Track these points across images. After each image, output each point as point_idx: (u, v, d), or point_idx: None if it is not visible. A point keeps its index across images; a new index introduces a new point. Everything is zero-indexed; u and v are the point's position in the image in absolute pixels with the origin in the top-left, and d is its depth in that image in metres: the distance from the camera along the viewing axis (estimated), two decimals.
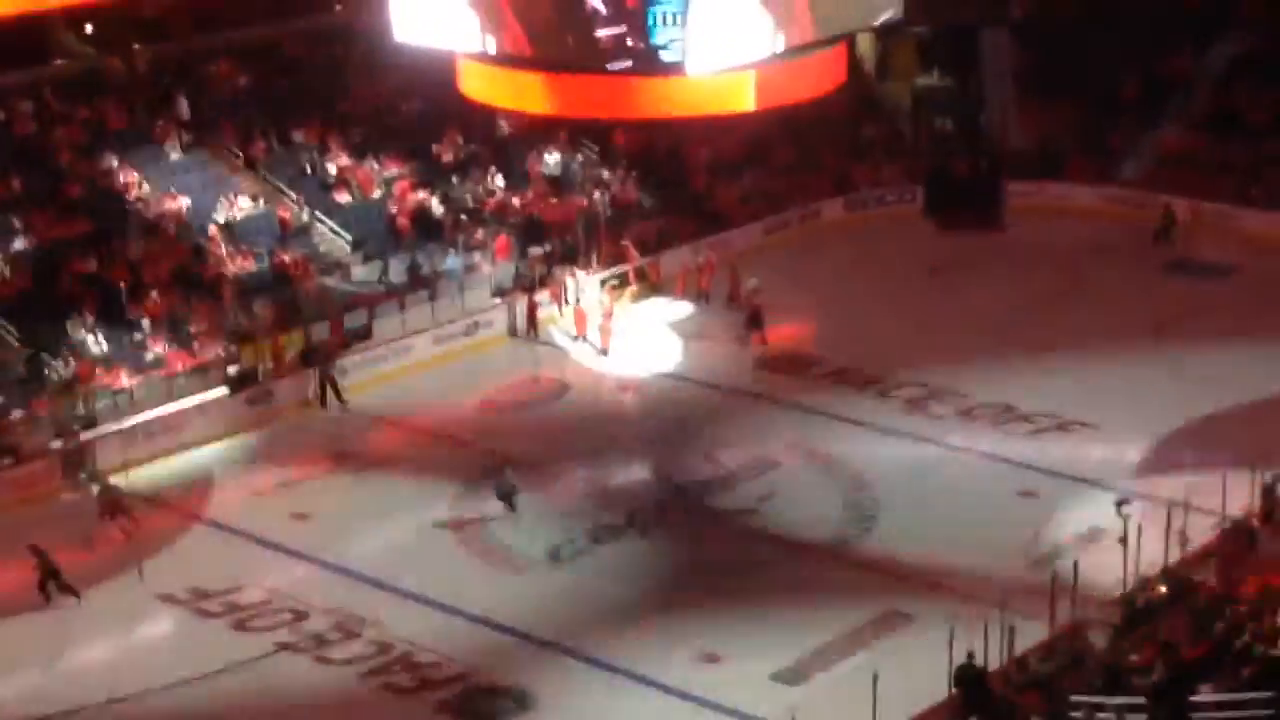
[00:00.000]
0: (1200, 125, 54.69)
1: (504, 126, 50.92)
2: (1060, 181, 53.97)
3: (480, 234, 47.13)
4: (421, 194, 48.16)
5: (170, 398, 39.67)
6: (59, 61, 49.08)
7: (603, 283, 46.66)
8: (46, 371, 39.36)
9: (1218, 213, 50.96)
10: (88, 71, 48.76)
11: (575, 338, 44.84)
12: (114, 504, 35.28)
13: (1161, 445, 37.68)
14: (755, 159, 53.72)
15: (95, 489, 35.95)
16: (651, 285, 47.74)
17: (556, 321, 45.46)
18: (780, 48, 28.57)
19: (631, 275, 47.49)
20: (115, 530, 34.94)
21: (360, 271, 45.48)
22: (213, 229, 44.62)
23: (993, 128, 56.65)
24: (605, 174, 51.10)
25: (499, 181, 49.32)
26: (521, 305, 45.23)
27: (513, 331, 45.24)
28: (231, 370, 40.81)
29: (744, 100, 29.69)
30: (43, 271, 41.90)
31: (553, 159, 50.89)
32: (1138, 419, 38.82)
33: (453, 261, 46.00)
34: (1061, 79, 55.72)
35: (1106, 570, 29.80)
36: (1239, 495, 31.80)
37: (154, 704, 29.17)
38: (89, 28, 49.90)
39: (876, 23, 32.74)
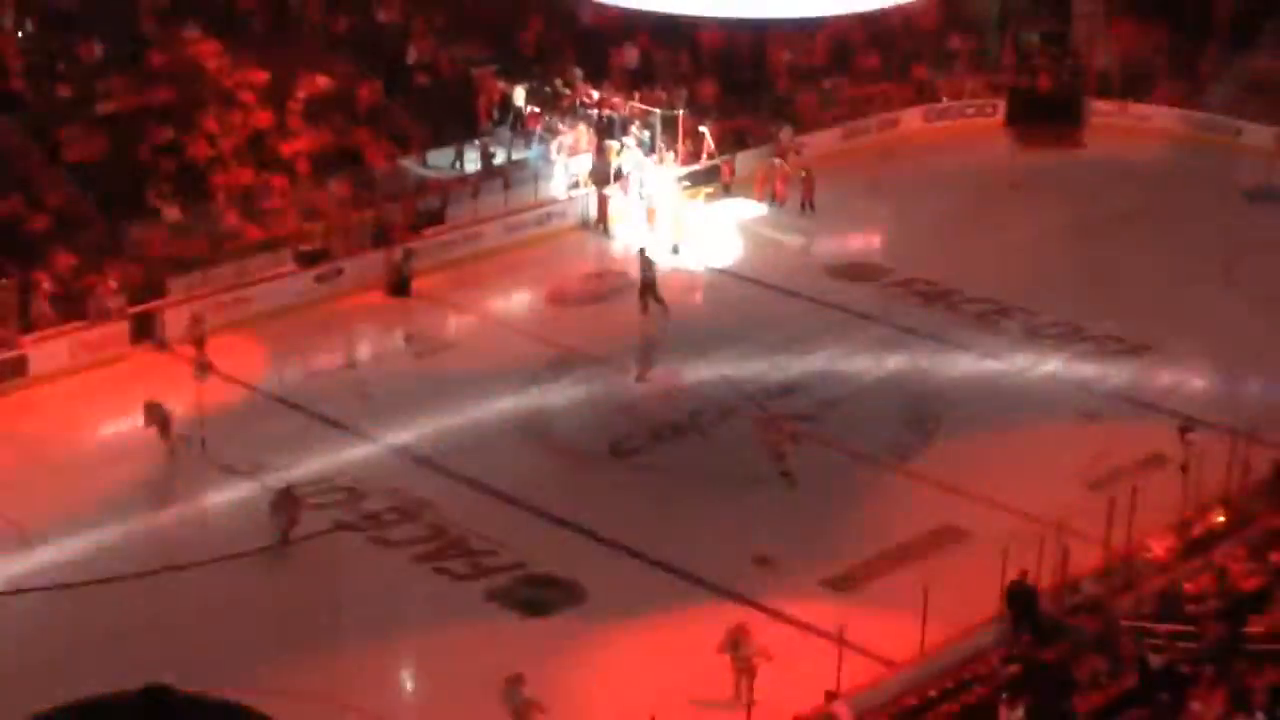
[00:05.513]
0: None
1: (586, 18, 50.65)
2: (1144, 103, 53.45)
3: (558, 125, 47.01)
4: (500, 82, 48.02)
5: (241, 270, 39.84)
6: None
7: (678, 180, 46.52)
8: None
9: None
10: None
11: (646, 233, 44.74)
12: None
13: (1229, 373, 37.44)
14: (838, 64, 53.35)
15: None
16: (725, 185, 47.56)
17: (628, 216, 45.29)
18: None
19: (705, 171, 47.34)
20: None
21: (435, 156, 45.49)
22: (290, 104, 44.64)
23: (1079, 44, 56.08)
24: (686, 71, 50.86)
25: (578, 74, 49.11)
26: (594, 197, 45.16)
27: (585, 224, 45.20)
28: (303, 246, 40.98)
29: None
30: (122, 139, 42.03)
31: (633, 53, 50.66)
32: (1207, 346, 38.57)
33: (530, 151, 45.99)
34: None
35: (1166, 496, 29.71)
36: None
37: (210, 575, 29.46)
38: None
39: None
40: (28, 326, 36.81)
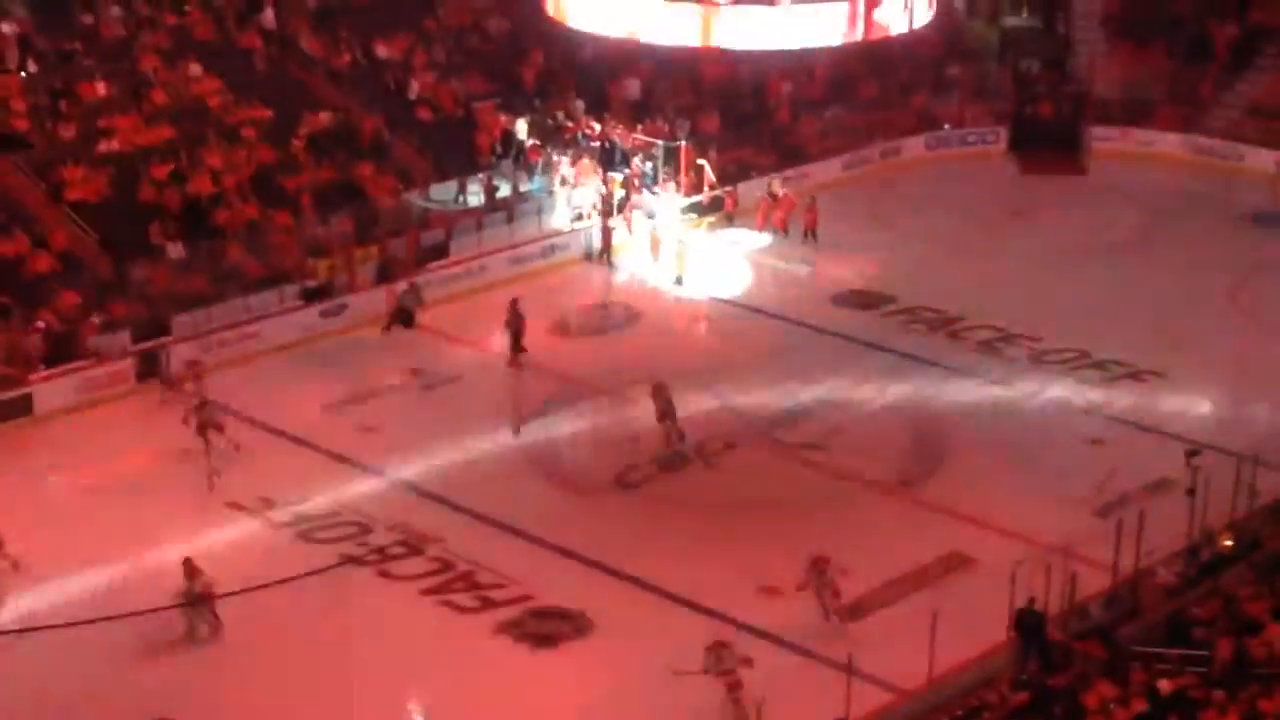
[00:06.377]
0: None
1: (587, 51, 50.78)
2: (1145, 128, 53.50)
3: (559, 157, 47.08)
4: (503, 116, 48.14)
5: (245, 306, 39.86)
6: None
7: (680, 211, 46.60)
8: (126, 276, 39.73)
9: None
10: None
11: (650, 264, 44.78)
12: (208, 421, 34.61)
13: (1234, 398, 37.41)
14: (838, 94, 53.44)
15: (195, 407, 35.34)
16: (728, 215, 47.63)
17: (632, 247, 45.33)
18: None
19: (707, 200, 47.40)
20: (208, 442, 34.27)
21: (438, 190, 45.58)
22: (294, 140, 44.73)
23: (1079, 71, 56.19)
24: (687, 103, 50.95)
25: (580, 106, 49.21)
26: (597, 229, 45.21)
27: (589, 256, 45.25)
28: (307, 282, 41.02)
29: None
30: (125, 177, 42.11)
31: (634, 85, 50.78)
32: (1212, 370, 38.57)
33: (532, 183, 46.08)
34: (1152, 24, 55.18)
35: (1172, 521, 29.66)
36: None
37: (219, 610, 29.38)
38: None
39: None
40: (34, 364, 36.95)
